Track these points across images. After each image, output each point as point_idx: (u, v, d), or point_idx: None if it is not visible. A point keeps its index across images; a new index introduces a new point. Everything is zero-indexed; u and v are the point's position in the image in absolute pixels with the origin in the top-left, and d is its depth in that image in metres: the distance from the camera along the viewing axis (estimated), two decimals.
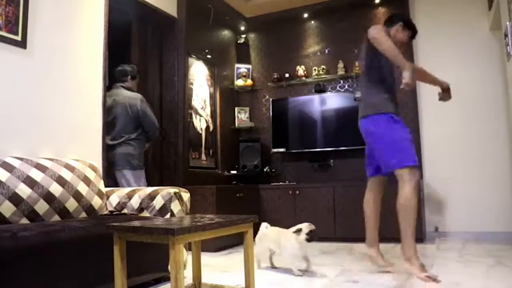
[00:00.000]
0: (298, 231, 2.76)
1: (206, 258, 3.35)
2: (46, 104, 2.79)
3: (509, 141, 4.20)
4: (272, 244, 2.94)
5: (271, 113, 5.09)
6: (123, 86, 3.61)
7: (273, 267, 3.01)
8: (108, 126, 3.40)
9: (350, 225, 4.24)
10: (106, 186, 2.93)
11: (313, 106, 4.90)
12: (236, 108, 5.30)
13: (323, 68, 4.94)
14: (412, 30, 2.84)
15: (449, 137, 4.38)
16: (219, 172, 4.83)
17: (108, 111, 3.37)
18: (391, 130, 2.59)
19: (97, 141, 3.19)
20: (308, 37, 5.15)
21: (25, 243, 1.74)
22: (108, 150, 3.36)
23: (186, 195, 2.72)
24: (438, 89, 2.97)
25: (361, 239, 4.20)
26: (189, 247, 2.55)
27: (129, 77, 3.66)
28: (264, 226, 3.08)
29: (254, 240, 2.64)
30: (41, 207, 2.30)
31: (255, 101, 5.36)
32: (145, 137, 3.66)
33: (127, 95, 3.57)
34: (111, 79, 3.52)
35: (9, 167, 2.25)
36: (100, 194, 2.73)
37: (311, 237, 2.73)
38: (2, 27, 2.51)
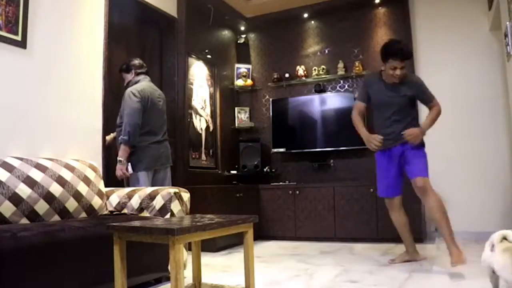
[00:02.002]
0: None
1: (206, 258, 3.35)
2: (46, 104, 2.80)
3: (509, 141, 4.20)
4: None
5: (271, 113, 5.08)
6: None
7: None
8: (157, 120, 3.25)
9: (350, 225, 4.24)
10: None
11: (313, 106, 4.90)
12: (236, 108, 5.30)
13: (323, 68, 4.94)
14: (393, 56, 2.85)
15: (448, 137, 4.37)
16: (219, 172, 4.83)
17: (152, 102, 3.20)
18: None
19: (97, 141, 3.19)
20: (308, 37, 5.15)
21: (25, 243, 1.74)
22: (151, 147, 3.18)
23: (186, 195, 2.72)
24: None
25: (361, 239, 4.22)
26: (189, 247, 2.55)
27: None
28: (497, 238, 1.75)
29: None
30: (41, 207, 2.30)
31: (255, 101, 5.36)
32: None
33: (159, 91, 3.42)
34: (129, 68, 3.31)
35: (9, 167, 2.25)
36: (100, 194, 2.73)
37: None
38: (2, 27, 2.51)
